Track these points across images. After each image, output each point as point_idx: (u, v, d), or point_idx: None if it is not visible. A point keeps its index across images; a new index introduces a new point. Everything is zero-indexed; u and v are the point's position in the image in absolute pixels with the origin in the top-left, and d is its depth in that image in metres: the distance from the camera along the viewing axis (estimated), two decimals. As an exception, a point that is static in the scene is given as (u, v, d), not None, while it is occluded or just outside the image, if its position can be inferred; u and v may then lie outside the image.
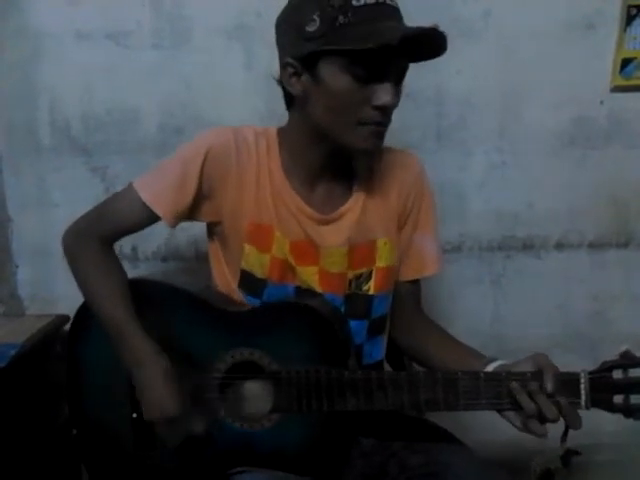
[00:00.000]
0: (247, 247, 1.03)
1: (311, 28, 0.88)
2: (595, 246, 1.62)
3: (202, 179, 1.00)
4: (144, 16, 1.43)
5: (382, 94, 0.89)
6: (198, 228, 1.09)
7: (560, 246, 1.61)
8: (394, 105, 0.91)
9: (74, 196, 1.49)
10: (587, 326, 1.61)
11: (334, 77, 0.89)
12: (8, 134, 1.49)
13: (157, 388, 0.98)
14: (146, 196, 1.01)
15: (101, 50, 1.44)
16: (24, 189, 1.52)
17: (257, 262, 1.03)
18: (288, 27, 0.94)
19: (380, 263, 1.06)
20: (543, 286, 1.62)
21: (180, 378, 1.00)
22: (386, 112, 0.91)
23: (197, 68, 1.46)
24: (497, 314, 1.64)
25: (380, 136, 0.95)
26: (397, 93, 0.92)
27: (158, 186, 1.02)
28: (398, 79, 0.92)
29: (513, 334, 1.60)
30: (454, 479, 0.94)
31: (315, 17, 0.87)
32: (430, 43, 0.89)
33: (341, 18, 0.86)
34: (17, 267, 1.56)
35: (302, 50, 0.90)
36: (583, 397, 0.85)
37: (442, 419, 1.10)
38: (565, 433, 0.88)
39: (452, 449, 1.02)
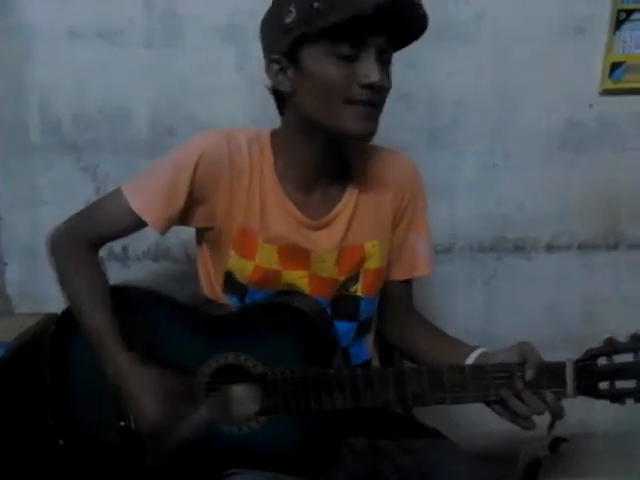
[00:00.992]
0: (232, 252, 1.02)
1: (289, 19, 0.89)
2: (585, 248, 1.63)
3: (194, 185, 0.98)
4: (137, 15, 1.43)
5: (368, 71, 0.88)
6: (189, 229, 1.09)
7: (550, 247, 1.62)
8: (382, 84, 0.90)
9: (64, 195, 1.49)
10: (577, 327, 1.62)
11: (318, 62, 0.89)
12: (-2, 131, 1.48)
13: (139, 402, 0.97)
14: (135, 204, 0.99)
15: (93, 49, 1.43)
16: (14, 187, 1.51)
17: (239, 268, 1.03)
18: (269, 26, 0.96)
19: (367, 265, 1.06)
20: (534, 287, 1.63)
21: (166, 385, 0.99)
22: (375, 91, 0.90)
23: (189, 67, 1.45)
24: (488, 315, 1.65)
25: (371, 118, 0.92)
26: (385, 74, 0.91)
27: (148, 193, 1.00)
28: (384, 61, 0.92)
29: (504, 335, 1.60)
30: (445, 479, 0.95)
31: (291, 8, 0.88)
32: (409, 17, 0.89)
33: (316, 4, 0.86)
34: (6, 265, 1.55)
35: (284, 42, 0.91)
36: (569, 385, 0.87)
37: (430, 414, 1.11)
38: (552, 421, 0.90)
39: (442, 448, 1.02)
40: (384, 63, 0.92)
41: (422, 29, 0.92)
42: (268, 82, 0.98)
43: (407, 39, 0.95)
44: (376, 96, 0.91)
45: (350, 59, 0.89)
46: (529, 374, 0.86)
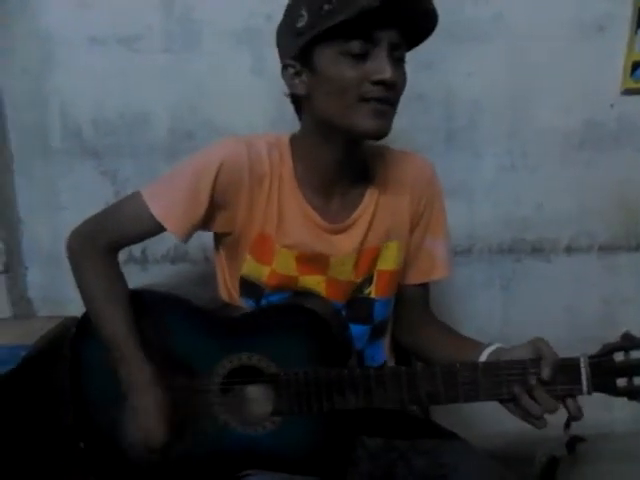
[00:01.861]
0: (248, 256, 1.03)
1: (300, 23, 0.90)
2: (605, 249, 1.61)
3: (214, 193, 0.98)
4: (155, 20, 1.44)
5: (379, 68, 0.88)
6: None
7: (570, 249, 1.61)
8: (394, 81, 0.89)
9: (84, 199, 1.49)
10: (597, 330, 1.60)
11: (330, 63, 0.90)
12: (19, 137, 1.50)
13: (145, 418, 0.98)
14: (156, 210, 0.99)
15: (112, 54, 1.45)
16: (35, 191, 1.53)
17: (255, 272, 1.03)
18: (283, 30, 0.97)
19: (382, 266, 1.06)
20: (553, 289, 1.62)
21: (176, 398, 0.99)
22: (388, 87, 0.89)
23: (207, 72, 1.46)
24: (506, 317, 1.64)
25: (384, 115, 0.92)
26: (398, 70, 0.91)
27: (169, 200, 1.00)
28: (396, 58, 0.91)
29: (522, 337, 1.58)
30: None
31: (303, 12, 0.90)
32: (417, 12, 0.88)
33: (326, 6, 0.86)
34: (27, 269, 1.57)
35: (296, 46, 0.91)
36: (584, 382, 0.85)
37: (445, 414, 1.10)
38: (569, 420, 0.88)
39: (458, 450, 1.01)
40: (396, 60, 0.91)
41: (432, 24, 0.92)
42: (286, 89, 0.99)
43: (418, 36, 0.94)
44: (389, 93, 0.90)
45: (362, 57, 0.89)
46: (546, 372, 0.84)
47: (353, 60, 0.89)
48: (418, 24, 0.91)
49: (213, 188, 0.98)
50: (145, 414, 0.98)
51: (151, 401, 0.98)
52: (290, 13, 0.94)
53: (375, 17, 0.85)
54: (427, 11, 0.90)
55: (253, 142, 1.01)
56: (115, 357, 1.00)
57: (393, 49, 0.90)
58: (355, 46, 0.88)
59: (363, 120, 0.91)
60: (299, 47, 0.91)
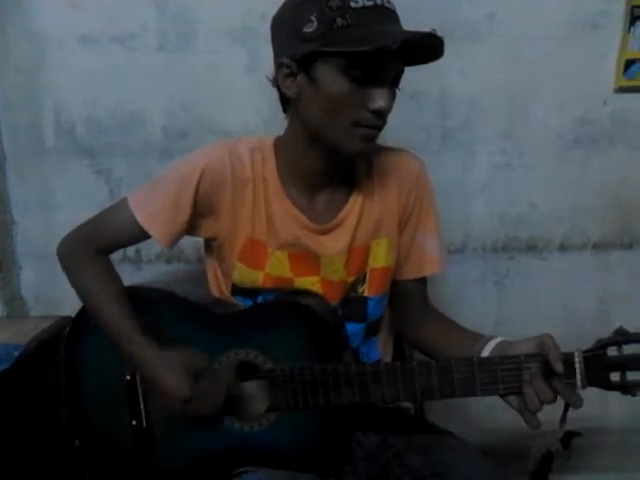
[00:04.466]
0: (238, 264, 1.03)
1: (308, 29, 0.88)
2: (599, 247, 1.62)
3: (197, 199, 0.99)
4: (149, 18, 1.44)
5: (378, 98, 0.88)
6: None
7: (564, 247, 1.61)
8: (389, 109, 0.91)
9: (78, 198, 1.50)
10: (592, 327, 1.61)
11: (330, 79, 0.89)
12: (13, 136, 1.49)
13: (164, 380, 0.97)
14: (141, 217, 1.01)
15: (106, 52, 1.45)
16: (28, 191, 1.53)
17: (248, 278, 1.03)
18: (284, 27, 0.93)
19: (374, 264, 1.06)
20: (547, 287, 1.62)
21: (187, 359, 0.99)
22: (381, 115, 0.91)
23: (202, 70, 1.46)
24: (500, 315, 1.64)
25: (373, 139, 0.94)
26: (392, 96, 0.92)
27: (153, 207, 1.02)
28: (394, 82, 0.92)
29: (517, 335, 1.59)
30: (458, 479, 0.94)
31: (312, 18, 0.87)
32: (428, 47, 0.89)
33: (339, 20, 0.86)
34: (21, 269, 1.57)
35: (298, 51, 0.90)
36: (578, 377, 0.86)
37: (441, 410, 1.10)
38: (564, 415, 0.89)
39: (454, 448, 1.01)
40: (395, 84, 0.92)
41: (439, 56, 0.92)
42: (271, 75, 0.97)
43: (422, 62, 0.94)
44: (381, 120, 0.92)
45: (362, 82, 0.88)
46: (559, 366, 0.84)
47: (355, 81, 0.88)
48: (424, 58, 0.92)
49: (195, 195, 0.99)
50: (161, 378, 0.97)
51: (161, 362, 0.98)
52: (295, 13, 0.90)
53: (388, 53, 0.85)
54: (438, 50, 0.90)
55: (235, 147, 1.01)
56: (121, 342, 1.00)
57: (396, 76, 0.91)
58: (360, 72, 0.87)
59: (353, 143, 0.92)
60: (302, 54, 0.89)
